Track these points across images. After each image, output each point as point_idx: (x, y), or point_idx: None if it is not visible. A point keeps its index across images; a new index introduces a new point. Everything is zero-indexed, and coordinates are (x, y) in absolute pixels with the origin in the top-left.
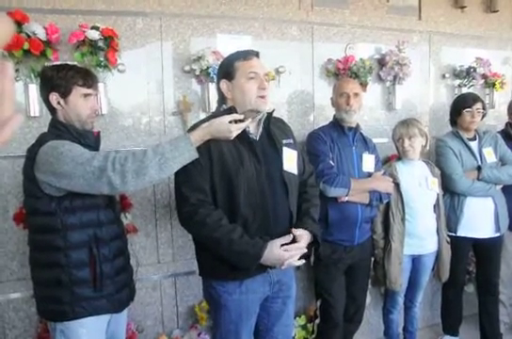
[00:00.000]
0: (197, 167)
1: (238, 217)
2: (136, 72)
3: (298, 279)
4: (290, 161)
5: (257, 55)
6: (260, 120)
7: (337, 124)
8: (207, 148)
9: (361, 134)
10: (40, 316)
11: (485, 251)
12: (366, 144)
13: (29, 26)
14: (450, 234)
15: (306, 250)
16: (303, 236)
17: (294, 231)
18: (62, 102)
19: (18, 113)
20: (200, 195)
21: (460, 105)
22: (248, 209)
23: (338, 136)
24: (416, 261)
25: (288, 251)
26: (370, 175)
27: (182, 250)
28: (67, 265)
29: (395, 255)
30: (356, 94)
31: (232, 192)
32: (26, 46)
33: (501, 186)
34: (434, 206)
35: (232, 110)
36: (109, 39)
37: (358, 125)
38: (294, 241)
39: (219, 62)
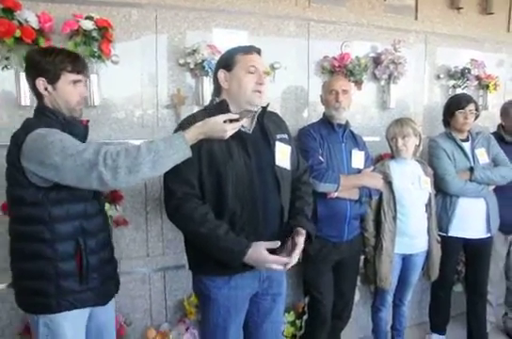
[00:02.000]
0: (184, 160)
1: (225, 210)
2: (130, 63)
3: (288, 275)
4: (283, 156)
5: (259, 52)
6: (254, 114)
7: (327, 121)
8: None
9: (351, 131)
10: (21, 309)
11: (475, 252)
12: (356, 141)
13: (21, 14)
14: (441, 233)
15: (293, 262)
16: (300, 238)
17: (294, 230)
18: (50, 88)
19: None
20: (187, 188)
21: (453, 106)
22: (236, 202)
23: (328, 132)
24: (406, 260)
25: (273, 256)
26: (360, 172)
27: (171, 243)
28: (53, 257)
29: (386, 254)
30: (345, 91)
31: (220, 184)
32: (18, 34)
33: (493, 187)
34: (426, 206)
35: (223, 104)
36: (103, 29)
37: (347, 122)
38: (282, 246)
39: (215, 56)
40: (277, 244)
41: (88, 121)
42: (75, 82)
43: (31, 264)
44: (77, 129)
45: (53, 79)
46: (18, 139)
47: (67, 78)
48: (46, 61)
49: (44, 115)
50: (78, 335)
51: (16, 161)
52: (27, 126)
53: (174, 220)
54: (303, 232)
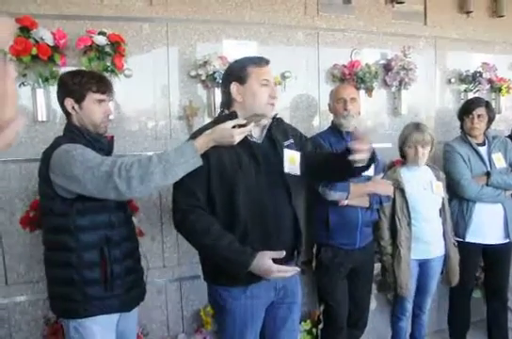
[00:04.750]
0: (191, 172)
1: (237, 221)
2: (143, 77)
3: (303, 283)
4: (292, 162)
5: (268, 62)
6: (265, 126)
7: (335, 129)
8: (205, 153)
9: None
10: (54, 314)
11: (494, 258)
12: None
13: (37, 32)
14: (458, 239)
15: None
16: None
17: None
18: (77, 107)
19: (21, 115)
20: (191, 200)
21: (461, 111)
22: (247, 213)
23: (336, 140)
24: (423, 266)
25: (276, 266)
26: (369, 179)
27: (187, 254)
28: (79, 265)
29: (404, 261)
30: (353, 99)
31: (231, 196)
32: (34, 51)
33: (510, 192)
34: (440, 210)
35: (233, 115)
36: (116, 44)
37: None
38: (292, 254)
39: (225, 67)
40: (282, 254)
41: (112, 136)
42: (100, 101)
43: (60, 271)
44: (102, 145)
45: (79, 99)
46: (46, 156)
47: (91, 98)
48: (73, 82)
49: (71, 132)
50: None
51: (45, 175)
52: (55, 143)
53: (180, 232)
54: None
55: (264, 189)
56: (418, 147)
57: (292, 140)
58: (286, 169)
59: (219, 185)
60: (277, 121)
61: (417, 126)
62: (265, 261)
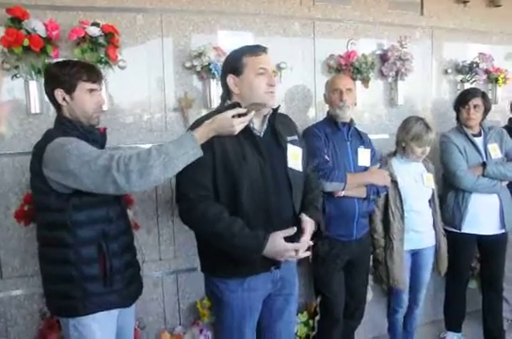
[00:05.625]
0: (197, 163)
1: (240, 213)
2: (137, 68)
3: (299, 275)
4: (295, 158)
5: (265, 50)
6: (265, 116)
7: (331, 120)
8: (210, 144)
9: (356, 128)
10: (50, 313)
11: (489, 248)
12: (361, 139)
13: (29, 23)
14: (454, 230)
15: (311, 243)
16: (308, 224)
17: (302, 217)
18: (68, 98)
19: (6, 102)
20: (201, 191)
21: (457, 102)
22: (251, 205)
23: (332, 131)
24: (416, 256)
25: (292, 244)
26: (366, 169)
27: (183, 246)
28: (77, 261)
29: (397, 253)
30: (349, 90)
31: (235, 188)
32: (26, 43)
33: (506, 183)
34: (429, 201)
35: (236, 105)
36: (110, 35)
37: (352, 120)
38: (297, 234)
39: (221, 58)
40: (293, 230)
41: (105, 128)
42: (91, 91)
43: (57, 268)
44: (95, 136)
45: (70, 89)
46: (38, 149)
47: (83, 87)
48: (63, 73)
49: (63, 124)
50: (107, 336)
51: (38, 170)
52: (47, 137)
53: (188, 222)
54: (307, 218)
55: (268, 183)
56: (426, 146)
57: (296, 137)
58: (289, 164)
59: (223, 175)
60: (280, 115)
61: (426, 125)
62: (279, 241)
